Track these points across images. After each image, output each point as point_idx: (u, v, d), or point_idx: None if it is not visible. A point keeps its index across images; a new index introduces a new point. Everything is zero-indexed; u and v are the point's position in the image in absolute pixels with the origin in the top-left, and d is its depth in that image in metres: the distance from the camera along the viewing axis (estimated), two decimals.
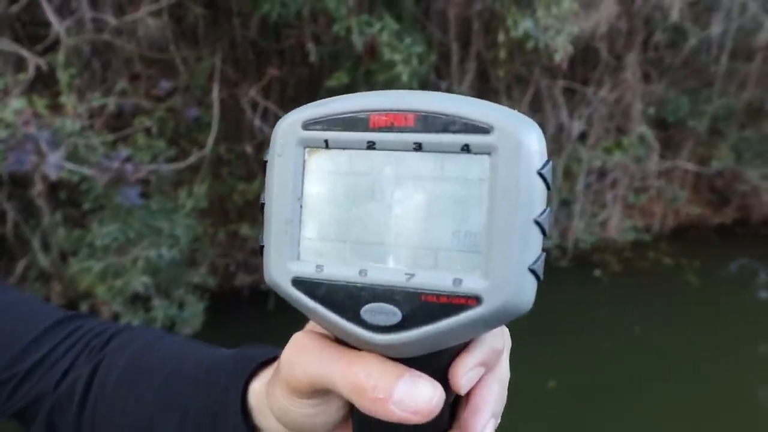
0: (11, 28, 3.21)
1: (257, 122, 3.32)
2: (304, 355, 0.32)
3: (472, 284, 0.27)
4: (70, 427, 0.55)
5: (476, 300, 0.27)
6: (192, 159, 3.31)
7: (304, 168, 0.30)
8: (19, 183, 3.28)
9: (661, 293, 5.16)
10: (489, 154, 0.27)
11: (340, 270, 0.29)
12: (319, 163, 0.30)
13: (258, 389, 0.42)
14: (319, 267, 0.30)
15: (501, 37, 3.77)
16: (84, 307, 3.49)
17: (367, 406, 0.29)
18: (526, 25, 3.41)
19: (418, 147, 0.28)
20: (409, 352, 0.29)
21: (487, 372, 0.32)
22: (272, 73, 3.53)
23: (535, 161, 0.27)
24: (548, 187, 0.28)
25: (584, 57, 4.87)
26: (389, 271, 0.28)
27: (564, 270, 5.29)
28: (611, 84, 5.13)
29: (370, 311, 0.29)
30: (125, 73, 3.43)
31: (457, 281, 0.28)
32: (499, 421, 0.34)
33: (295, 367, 0.33)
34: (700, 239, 6.00)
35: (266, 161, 0.31)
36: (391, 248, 0.29)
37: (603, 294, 5.20)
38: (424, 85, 4.36)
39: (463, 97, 0.30)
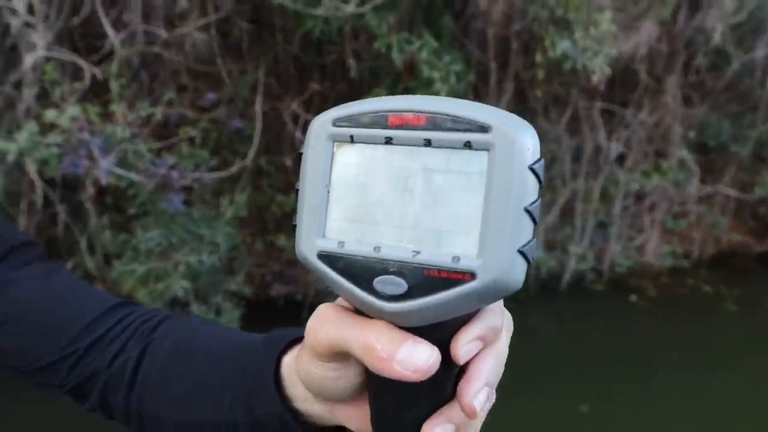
0: (70, 39, 3.38)
1: (298, 135, 3.41)
2: (326, 323, 0.37)
3: (468, 262, 0.32)
4: (120, 403, 0.61)
5: (471, 275, 0.31)
6: (233, 169, 3.41)
7: (332, 159, 0.35)
8: (69, 186, 3.43)
9: (700, 320, 5.05)
10: (487, 150, 0.32)
11: (358, 246, 0.34)
12: (345, 155, 0.35)
13: (288, 362, 0.47)
14: (340, 243, 0.34)
15: (539, 58, 3.81)
16: None
17: (374, 364, 0.34)
18: (564, 45, 3.44)
19: (428, 143, 0.33)
20: (413, 321, 0.33)
21: (485, 347, 0.36)
22: (314, 88, 3.62)
23: (527, 157, 0.31)
24: (540, 181, 0.32)
25: (623, 78, 4.86)
26: (399, 249, 0.33)
27: (599, 293, 5.24)
28: (651, 106, 5.10)
29: (381, 282, 0.33)
30: (172, 84, 3.57)
31: (456, 258, 0.32)
32: (494, 393, 0.38)
33: (317, 333, 0.38)
34: (741, 267, 5.86)
35: (301, 153, 0.36)
36: (401, 229, 0.33)
37: (639, 319, 5.11)
38: None
39: (468, 101, 0.34)
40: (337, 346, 0.37)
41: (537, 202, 0.32)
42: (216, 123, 3.74)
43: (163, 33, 3.11)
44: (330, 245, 0.35)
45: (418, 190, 0.33)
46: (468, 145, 0.32)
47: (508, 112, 0.33)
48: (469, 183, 0.32)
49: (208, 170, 3.47)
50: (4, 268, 0.67)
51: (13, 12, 2.68)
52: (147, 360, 0.60)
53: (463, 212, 0.32)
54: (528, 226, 0.32)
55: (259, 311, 4.43)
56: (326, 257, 0.35)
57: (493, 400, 0.38)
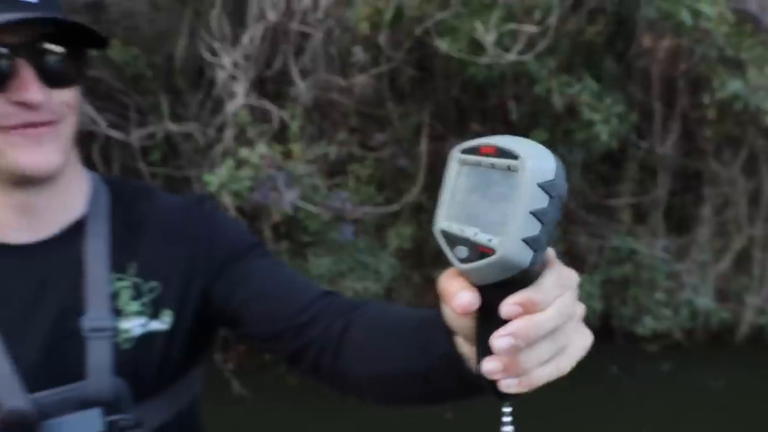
0: (261, 86, 3.88)
1: None
2: (442, 280, 0.54)
3: (493, 243, 0.47)
4: (328, 365, 0.80)
5: (492, 251, 0.47)
6: (398, 205, 3.67)
7: (455, 174, 0.53)
8: (249, 216, 3.90)
9: None
10: (516, 171, 0.47)
11: (454, 228, 0.51)
12: (460, 172, 0.53)
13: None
14: (449, 225, 0.52)
15: (706, 99, 3.68)
16: None
17: (446, 302, 0.52)
18: (735, 86, 3.30)
19: (493, 166, 0.49)
20: (472, 278, 0.50)
21: (524, 312, 0.48)
22: (474, 129, 3.81)
23: (536, 177, 0.46)
24: (550, 196, 0.46)
25: None
26: (469, 231, 0.50)
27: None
28: None
29: (457, 250, 0.50)
30: (344, 126, 3.95)
31: (489, 240, 0.48)
32: (559, 361, 0.51)
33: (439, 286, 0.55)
34: None
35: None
36: (475, 220, 0.50)
37: None
38: (624, 145, 4.35)
39: (518, 138, 0.50)
40: (443, 294, 0.54)
41: (545, 210, 0.46)
42: (379, 161, 4.05)
43: (341, 81, 3.49)
44: (444, 225, 0.54)
45: (486, 197, 0.50)
46: (509, 168, 0.48)
47: (538, 145, 0.49)
48: (507, 193, 0.48)
49: (374, 205, 3.76)
50: (247, 261, 0.89)
51: (222, 67, 3.19)
52: (350, 330, 0.79)
53: (501, 212, 0.48)
54: (534, 224, 0.46)
55: None
56: (442, 233, 0.53)
57: (561, 369, 0.52)
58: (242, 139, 3.62)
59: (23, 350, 0.80)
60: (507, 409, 0.53)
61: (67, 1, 3.95)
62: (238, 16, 4.00)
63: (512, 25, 3.10)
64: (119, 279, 0.85)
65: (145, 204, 0.92)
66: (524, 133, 4.06)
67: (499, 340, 0.48)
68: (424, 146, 3.66)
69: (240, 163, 3.35)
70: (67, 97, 0.78)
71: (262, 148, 3.40)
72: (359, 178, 4.04)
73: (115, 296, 0.84)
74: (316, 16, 3.29)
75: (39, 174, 0.78)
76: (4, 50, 0.72)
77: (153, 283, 0.86)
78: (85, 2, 4.22)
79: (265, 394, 3.85)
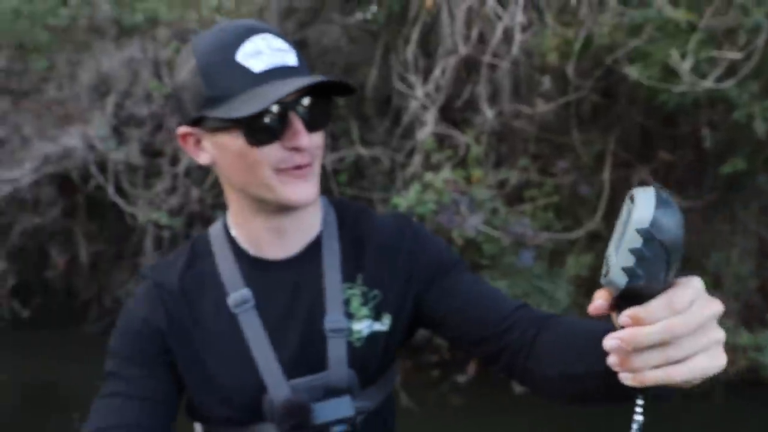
0: (446, 113, 4.07)
1: None
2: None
3: (609, 265, 0.61)
4: (520, 364, 0.93)
5: (607, 272, 0.61)
6: (579, 232, 3.64)
7: (623, 209, 0.64)
8: None
9: None
10: (629, 215, 0.59)
11: (608, 250, 0.64)
12: (624, 208, 0.63)
13: None
14: (609, 247, 0.65)
15: None
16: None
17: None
18: None
19: (628, 208, 0.61)
20: (606, 291, 0.64)
21: (635, 323, 0.60)
22: (663, 157, 3.67)
23: (636, 224, 0.58)
24: (644, 239, 0.59)
25: None
26: (609, 254, 0.63)
27: None
28: None
29: (604, 267, 0.63)
30: (525, 152, 4.00)
31: (609, 264, 0.62)
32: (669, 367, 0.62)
33: None
34: None
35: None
36: (614, 246, 0.62)
37: None
38: None
39: (651, 189, 0.62)
40: None
41: (639, 249, 0.59)
42: (561, 188, 4.04)
43: (526, 110, 3.57)
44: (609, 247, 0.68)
45: (620, 231, 0.61)
46: (629, 212, 0.60)
47: (653, 197, 0.60)
48: (624, 231, 0.61)
49: (553, 232, 3.77)
50: (454, 274, 1.05)
51: (414, 98, 3.42)
52: (542, 335, 0.92)
53: (622, 240, 0.60)
54: (630, 258, 0.60)
55: None
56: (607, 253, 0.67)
57: (672, 377, 0.62)
58: (426, 164, 3.82)
59: (283, 346, 0.99)
60: (640, 402, 0.65)
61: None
62: (425, 47, 4.25)
63: (712, 52, 2.97)
64: (350, 288, 1.02)
65: (364, 223, 1.07)
66: (719, 161, 3.83)
67: (608, 340, 0.62)
68: (606, 174, 3.59)
69: (424, 187, 3.54)
70: (319, 139, 0.94)
71: (446, 173, 3.56)
72: (538, 204, 4.06)
73: (347, 302, 1.01)
74: (506, 49, 3.40)
75: (302, 205, 0.94)
76: (279, 108, 0.87)
77: (375, 291, 1.02)
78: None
79: (430, 410, 3.98)
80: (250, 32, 0.88)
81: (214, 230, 1.07)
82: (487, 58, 3.38)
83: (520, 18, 3.07)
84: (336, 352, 0.99)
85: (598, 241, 4.61)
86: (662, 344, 0.61)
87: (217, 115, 0.87)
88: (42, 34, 5.76)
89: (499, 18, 3.27)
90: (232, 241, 1.03)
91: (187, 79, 0.89)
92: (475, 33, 3.42)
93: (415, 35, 3.56)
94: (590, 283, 4.80)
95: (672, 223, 0.60)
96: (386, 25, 4.19)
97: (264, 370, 0.97)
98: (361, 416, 1.01)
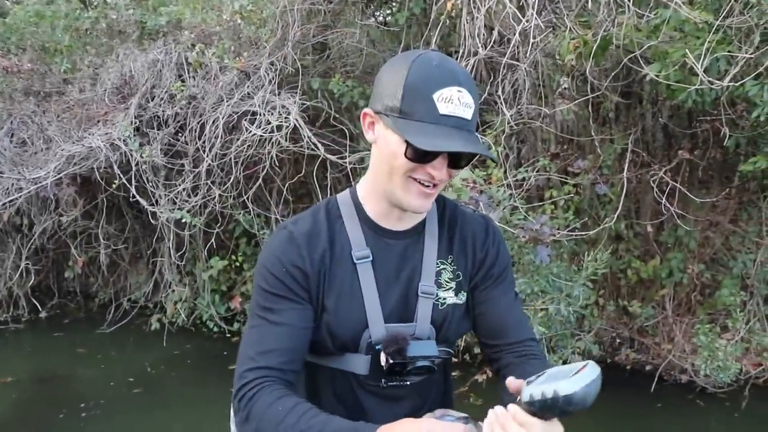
0: None
1: (666, 204, 3.47)
2: None
3: (532, 388, 0.90)
4: (495, 369, 1.32)
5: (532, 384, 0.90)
6: (595, 231, 3.65)
7: None
8: None
9: None
10: None
11: (536, 389, 0.91)
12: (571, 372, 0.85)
13: None
14: None
15: None
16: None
17: None
18: None
19: None
20: None
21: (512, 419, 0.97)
22: (683, 156, 3.68)
23: (563, 390, 0.81)
24: (563, 406, 0.84)
25: None
26: (536, 387, 0.90)
27: None
28: None
29: None
30: (544, 152, 4.03)
31: (534, 388, 0.91)
32: None
33: None
34: None
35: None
36: (545, 381, 0.90)
37: None
38: None
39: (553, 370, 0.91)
40: None
41: (552, 407, 0.88)
42: (576, 187, 4.06)
43: (545, 110, 3.59)
44: None
45: (558, 386, 0.84)
46: None
47: (598, 376, 0.85)
48: (555, 381, 0.85)
49: (571, 231, 3.78)
50: (502, 283, 1.33)
51: None
52: (514, 368, 1.23)
53: (548, 384, 0.87)
54: (542, 401, 0.88)
55: (606, 372, 4.48)
56: None
57: None
58: None
59: (387, 298, 1.25)
60: None
61: (299, 42, 4.54)
62: (445, 48, 4.30)
63: (729, 48, 2.98)
64: (442, 263, 1.29)
65: (458, 217, 1.34)
66: (740, 159, 3.83)
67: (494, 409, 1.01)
68: (625, 173, 3.61)
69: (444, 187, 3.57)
70: (453, 173, 1.18)
71: (465, 172, 3.59)
72: (557, 203, 4.09)
73: (438, 274, 1.28)
74: (526, 50, 3.44)
75: (416, 212, 1.23)
76: (439, 151, 1.10)
77: (459, 272, 1.30)
78: (313, 44, 4.79)
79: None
80: (453, 82, 1.10)
81: (343, 197, 1.31)
82: (504, 60, 3.41)
83: (537, 20, 3.09)
84: (424, 310, 1.25)
85: (619, 242, 4.62)
86: None
87: (397, 128, 1.11)
88: (64, 37, 5.87)
89: (519, 20, 3.31)
90: (359, 208, 1.28)
91: (392, 82, 1.13)
92: (495, 34, 3.46)
93: (435, 37, 3.60)
94: (611, 285, 4.81)
95: (587, 401, 0.77)
96: (407, 27, 4.24)
97: (369, 311, 1.22)
98: (440, 360, 1.26)
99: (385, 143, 1.16)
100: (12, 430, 4.14)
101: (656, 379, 4.44)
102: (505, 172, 3.75)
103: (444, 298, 1.28)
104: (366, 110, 1.20)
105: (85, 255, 6.16)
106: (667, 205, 3.39)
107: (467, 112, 1.10)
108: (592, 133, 3.85)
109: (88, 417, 4.25)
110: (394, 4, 4.38)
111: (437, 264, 1.28)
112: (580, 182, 4.07)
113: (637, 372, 4.71)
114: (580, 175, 4.03)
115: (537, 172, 3.92)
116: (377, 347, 1.21)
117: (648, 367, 4.70)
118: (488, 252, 1.32)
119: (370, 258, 1.24)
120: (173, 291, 5.46)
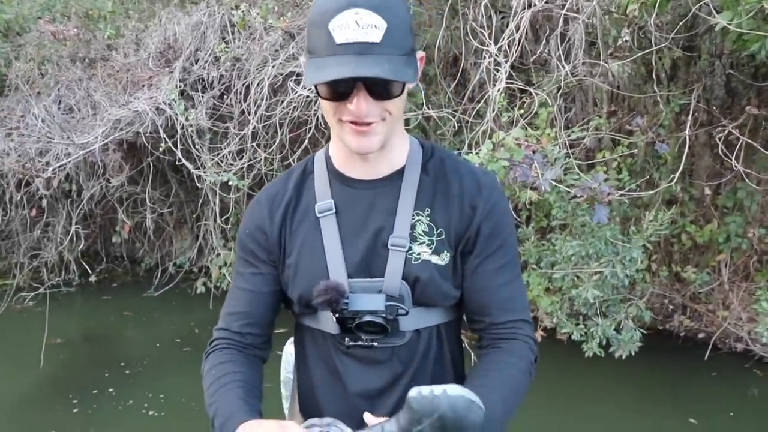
0: (517, 71, 3.97)
1: (734, 163, 3.29)
2: None
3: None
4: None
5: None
6: (658, 190, 3.51)
7: None
8: None
9: None
10: None
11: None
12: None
13: None
14: None
15: None
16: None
17: None
18: None
19: None
20: None
21: None
22: (752, 112, 3.50)
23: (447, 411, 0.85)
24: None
25: None
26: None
27: None
28: None
29: None
30: (599, 110, 3.88)
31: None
32: None
33: None
34: None
35: None
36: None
37: None
38: None
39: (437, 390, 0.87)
40: None
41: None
42: (637, 147, 3.91)
43: (606, 65, 3.45)
44: None
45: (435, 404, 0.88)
46: None
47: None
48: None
49: (627, 191, 3.65)
50: (491, 256, 1.17)
51: (489, 54, 3.35)
52: (488, 352, 1.19)
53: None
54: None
55: (658, 340, 4.40)
56: None
57: None
58: (497, 122, 3.75)
59: (352, 251, 1.15)
60: None
61: None
62: (497, 7, 4.15)
63: None
64: (418, 214, 1.16)
65: (448, 167, 1.20)
66: None
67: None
68: (687, 131, 3.45)
69: (495, 146, 3.48)
70: (387, 106, 1.05)
71: (518, 131, 3.49)
72: (608, 164, 3.95)
73: (413, 227, 1.15)
74: (582, 2, 3.29)
75: (362, 152, 1.10)
76: (348, 80, 1.00)
77: (440, 230, 1.16)
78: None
79: None
80: (347, 6, 0.98)
81: (319, 152, 1.26)
82: (560, 12, 3.27)
83: None
84: (394, 263, 1.13)
85: (675, 205, 4.46)
86: None
87: (305, 70, 1.05)
88: (107, 3, 5.89)
89: None
90: (329, 161, 1.22)
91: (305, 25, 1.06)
92: None
93: None
94: (662, 250, 4.67)
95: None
96: None
97: (331, 265, 1.14)
98: (398, 321, 1.14)
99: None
100: (61, 387, 4.27)
101: (710, 347, 4.32)
102: (557, 131, 3.63)
103: (419, 253, 1.14)
104: (301, 61, 1.16)
105: (131, 220, 6.25)
106: (735, 164, 3.22)
107: (372, 34, 0.98)
108: (653, 89, 3.68)
109: (132, 374, 4.39)
110: None
111: (413, 216, 1.15)
112: (635, 141, 3.92)
113: (689, 339, 4.60)
114: (636, 134, 3.88)
115: (591, 131, 3.78)
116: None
117: (701, 335, 4.58)
118: (476, 211, 1.16)
119: (333, 210, 1.17)
120: (218, 255, 5.50)
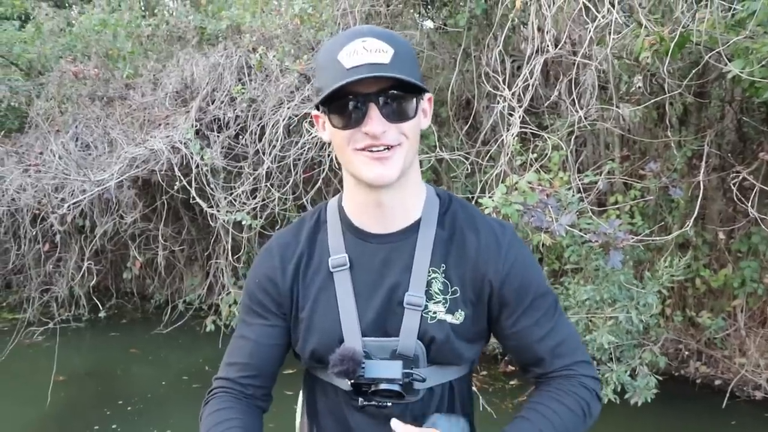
0: (529, 115, 4.01)
1: (749, 208, 3.28)
2: None
3: None
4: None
5: None
6: (673, 235, 3.50)
7: None
8: None
9: None
10: None
11: None
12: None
13: None
14: None
15: None
16: None
17: None
18: None
19: None
20: None
21: None
22: (764, 158, 3.50)
23: None
24: None
25: None
26: None
27: None
28: None
29: None
30: (612, 155, 3.89)
31: None
32: None
33: None
34: None
35: None
36: None
37: None
38: None
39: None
40: None
41: None
42: (649, 191, 3.91)
43: (618, 110, 3.48)
44: None
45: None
46: None
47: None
48: None
49: (639, 236, 3.64)
50: (527, 310, 1.13)
51: (503, 98, 3.39)
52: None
53: None
54: None
55: (673, 386, 4.31)
56: None
57: None
58: (510, 165, 3.77)
59: (366, 308, 1.12)
60: None
61: None
62: (509, 52, 4.22)
63: None
64: (434, 272, 1.12)
65: (465, 220, 1.16)
66: None
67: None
68: (702, 176, 3.45)
69: (508, 190, 3.49)
70: (404, 129, 1.03)
71: (531, 175, 3.50)
72: (621, 208, 3.95)
73: (429, 284, 1.11)
74: (592, 49, 3.34)
75: (378, 184, 1.05)
76: (361, 99, 0.99)
77: (455, 288, 1.12)
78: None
79: (509, 416, 3.91)
80: (355, 35, 1.00)
81: (332, 202, 1.22)
82: (573, 59, 3.31)
83: (615, 14, 2.99)
84: (410, 323, 1.10)
85: (684, 250, 4.43)
86: None
87: (319, 104, 1.03)
88: (126, 44, 6.02)
89: (593, 17, 3.21)
90: (342, 212, 1.18)
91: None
92: (564, 34, 3.37)
93: (501, 36, 3.53)
94: (675, 295, 4.62)
95: None
96: (467, 29, 4.18)
97: (345, 323, 1.11)
98: (413, 384, 1.11)
99: (331, 133, 1.07)
100: (66, 424, 4.26)
101: (728, 394, 4.23)
102: (570, 174, 3.64)
103: (434, 312, 1.11)
104: (313, 113, 1.14)
105: (143, 256, 6.27)
106: (750, 209, 3.21)
107: (380, 56, 0.98)
108: (665, 133, 3.70)
109: (133, 411, 4.37)
110: (459, 2, 4.31)
111: (429, 272, 1.11)
112: (648, 186, 3.92)
113: (705, 386, 4.51)
114: (648, 178, 3.89)
115: (603, 175, 3.79)
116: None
117: (717, 382, 4.49)
118: (494, 270, 1.12)
119: (347, 265, 1.13)
120: (228, 293, 5.49)
